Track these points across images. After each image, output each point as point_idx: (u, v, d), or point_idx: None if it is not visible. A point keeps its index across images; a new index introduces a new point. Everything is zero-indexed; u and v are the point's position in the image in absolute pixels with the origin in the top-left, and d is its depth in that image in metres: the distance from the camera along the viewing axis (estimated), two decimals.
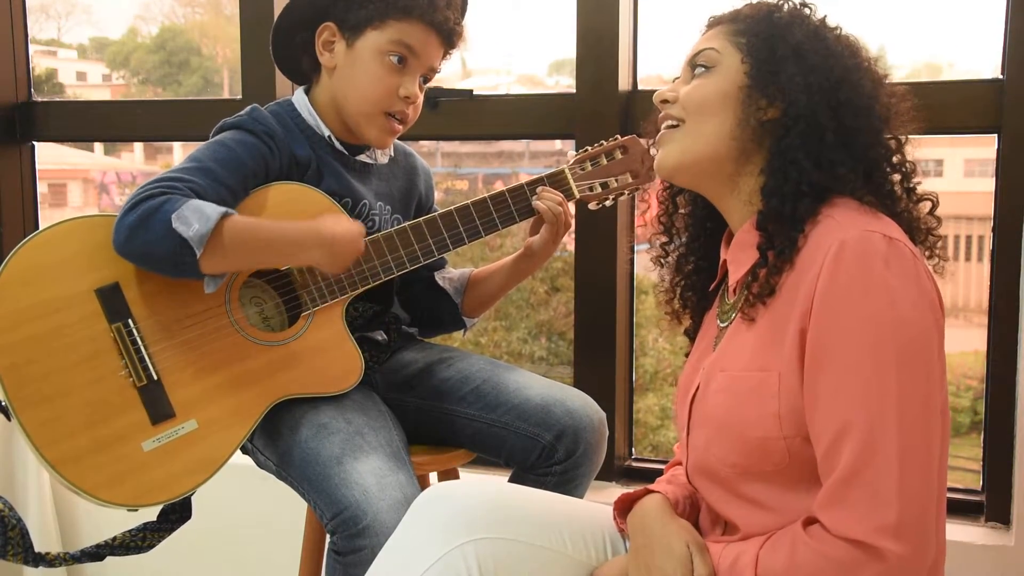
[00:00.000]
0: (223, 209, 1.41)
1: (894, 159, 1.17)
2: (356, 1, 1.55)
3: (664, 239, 1.36)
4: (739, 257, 1.20)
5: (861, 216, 1.10)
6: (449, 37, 1.58)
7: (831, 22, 1.20)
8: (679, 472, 1.32)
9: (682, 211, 1.34)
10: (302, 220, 1.48)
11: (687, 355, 1.35)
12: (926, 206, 1.19)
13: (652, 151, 1.26)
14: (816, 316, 1.05)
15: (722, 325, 1.23)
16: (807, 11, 1.20)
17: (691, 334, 1.36)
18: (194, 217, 1.38)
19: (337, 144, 1.60)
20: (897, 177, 1.18)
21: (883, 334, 1.02)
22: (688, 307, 1.34)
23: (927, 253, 1.18)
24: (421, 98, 1.61)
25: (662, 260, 1.36)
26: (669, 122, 1.22)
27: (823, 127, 1.12)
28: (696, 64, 1.20)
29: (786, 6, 1.20)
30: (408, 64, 1.56)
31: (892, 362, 1.02)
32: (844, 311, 1.03)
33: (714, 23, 1.24)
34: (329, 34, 1.58)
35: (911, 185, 1.18)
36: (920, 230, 1.18)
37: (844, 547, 1.02)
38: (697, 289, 1.33)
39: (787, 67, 1.14)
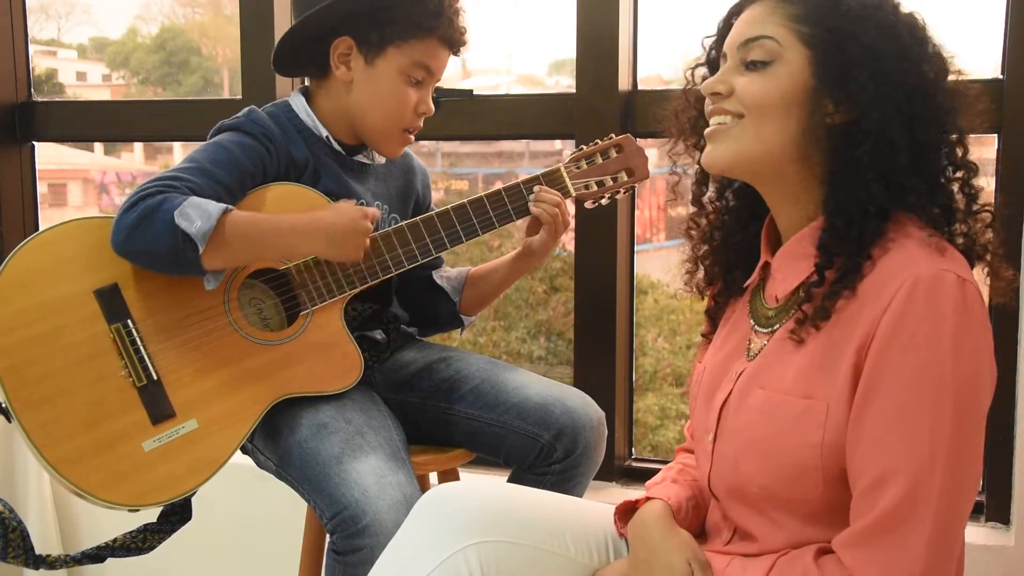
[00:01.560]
0: (224, 205, 1.41)
1: (960, 163, 1.11)
2: (378, 19, 1.54)
3: (695, 209, 1.28)
4: (787, 267, 1.15)
5: (933, 250, 1.04)
6: (459, 50, 1.61)
7: (903, 6, 1.10)
8: (689, 462, 1.30)
9: (718, 182, 1.27)
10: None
11: (704, 335, 1.30)
12: (986, 218, 1.12)
13: (701, 146, 1.17)
14: (877, 354, 1.00)
15: (759, 329, 1.18)
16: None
17: (713, 315, 1.30)
18: (196, 213, 1.39)
19: (335, 144, 1.61)
20: (958, 185, 1.11)
21: (945, 387, 0.98)
22: (712, 283, 1.28)
23: (985, 270, 1.11)
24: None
25: (691, 231, 1.29)
26: (721, 117, 1.13)
27: (896, 145, 1.05)
28: (751, 59, 1.10)
29: None
30: (425, 83, 1.58)
31: (949, 416, 0.98)
32: (907, 356, 0.99)
33: None
34: (345, 48, 1.57)
35: (973, 192, 1.11)
36: (980, 246, 1.11)
37: None
38: (723, 266, 1.26)
39: (859, 73, 1.05)
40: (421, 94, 1.58)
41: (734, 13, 1.17)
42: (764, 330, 1.17)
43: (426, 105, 1.59)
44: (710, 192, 1.28)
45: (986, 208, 1.12)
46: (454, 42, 1.58)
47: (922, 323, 0.99)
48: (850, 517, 1.04)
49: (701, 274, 1.29)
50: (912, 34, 1.09)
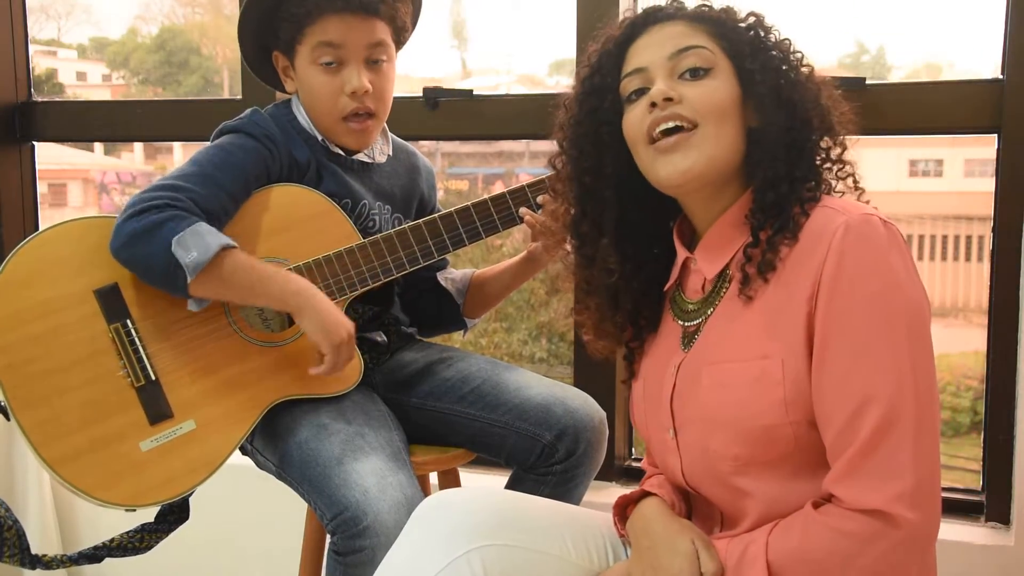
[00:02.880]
0: (224, 241, 1.41)
1: (842, 156, 1.19)
2: (280, 25, 1.56)
3: (584, 264, 1.26)
4: (712, 252, 1.19)
5: (851, 201, 1.13)
6: (367, 8, 1.54)
7: (770, 23, 1.20)
8: (664, 479, 1.31)
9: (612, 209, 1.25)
10: (296, 272, 1.50)
11: (624, 382, 1.33)
12: (860, 184, 1.20)
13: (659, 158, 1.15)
14: (826, 297, 1.05)
15: (688, 324, 1.22)
16: (761, 18, 1.20)
17: (632, 360, 1.31)
18: (194, 244, 1.39)
19: (332, 146, 1.61)
20: (839, 170, 1.19)
21: (894, 311, 1.04)
22: (623, 332, 1.29)
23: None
24: (384, 81, 1.59)
25: (586, 292, 1.28)
26: (675, 123, 1.13)
27: (800, 125, 1.14)
28: (690, 67, 1.14)
29: (742, 11, 1.20)
30: (342, 60, 1.55)
31: (904, 336, 1.04)
32: (855, 291, 1.04)
33: (675, 15, 1.18)
34: (282, 61, 1.60)
35: (857, 184, 1.20)
36: None
37: (859, 519, 1.02)
38: (630, 313, 1.27)
39: (780, 77, 1.15)
40: (345, 74, 1.55)
41: (629, 39, 1.19)
42: (694, 322, 1.21)
43: (353, 84, 1.54)
44: (604, 241, 1.25)
45: (857, 178, 1.20)
46: (345, 4, 1.52)
47: (862, 259, 1.05)
48: (830, 459, 1.06)
49: (608, 332, 1.29)
50: (787, 45, 1.18)
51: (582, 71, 1.24)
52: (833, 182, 1.18)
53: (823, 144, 1.17)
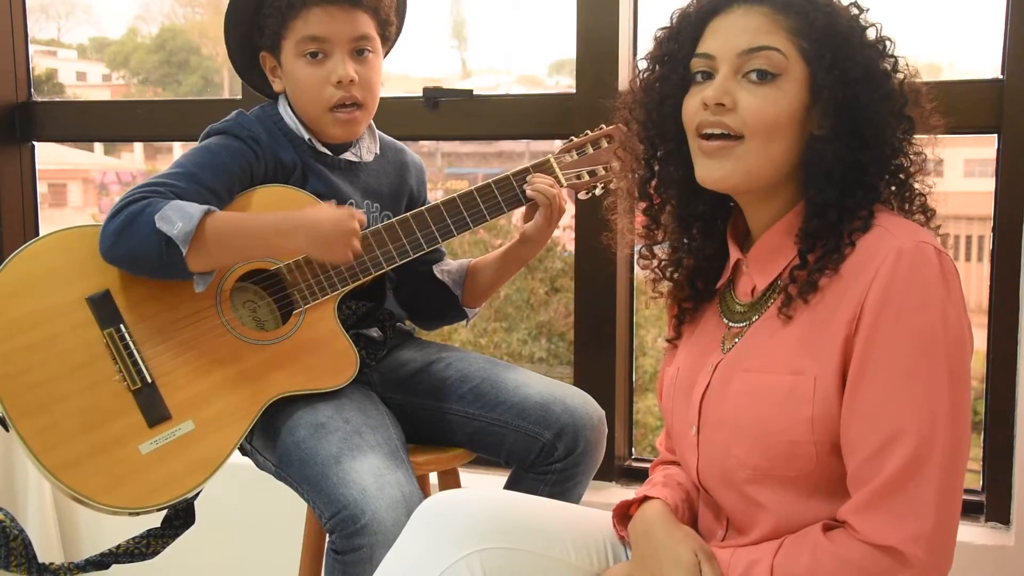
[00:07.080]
0: (206, 207, 1.42)
1: (914, 160, 1.14)
2: (264, 22, 1.57)
3: (648, 219, 1.26)
4: (763, 260, 1.17)
5: (907, 224, 1.09)
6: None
7: (871, 20, 1.12)
8: (673, 472, 1.31)
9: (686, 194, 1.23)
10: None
11: (669, 340, 1.31)
12: (931, 209, 1.16)
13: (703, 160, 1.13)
14: (868, 325, 1.03)
15: (732, 325, 1.20)
16: (861, 13, 1.12)
17: (680, 320, 1.30)
18: (177, 216, 1.39)
19: (319, 146, 1.61)
20: (912, 179, 1.15)
21: (937, 347, 1.02)
22: (680, 290, 1.28)
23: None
24: (371, 71, 1.59)
25: (649, 240, 1.27)
26: (721, 131, 1.10)
27: (867, 145, 1.09)
28: (756, 68, 1.09)
29: (843, 6, 1.11)
30: (326, 51, 1.55)
31: (945, 375, 1.02)
32: (899, 323, 1.02)
33: None
34: (269, 61, 1.61)
35: (925, 190, 1.15)
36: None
37: (871, 553, 1.02)
38: (690, 274, 1.26)
39: (856, 92, 1.08)
40: (331, 65, 1.55)
41: (711, 12, 1.14)
42: (739, 324, 1.19)
43: (338, 73, 1.55)
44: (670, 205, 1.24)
45: (930, 202, 1.16)
46: None
47: (910, 292, 1.02)
48: (850, 487, 1.05)
49: (665, 284, 1.29)
50: (884, 46, 1.12)
51: (660, 32, 1.19)
52: (896, 203, 1.13)
53: (894, 162, 1.12)
